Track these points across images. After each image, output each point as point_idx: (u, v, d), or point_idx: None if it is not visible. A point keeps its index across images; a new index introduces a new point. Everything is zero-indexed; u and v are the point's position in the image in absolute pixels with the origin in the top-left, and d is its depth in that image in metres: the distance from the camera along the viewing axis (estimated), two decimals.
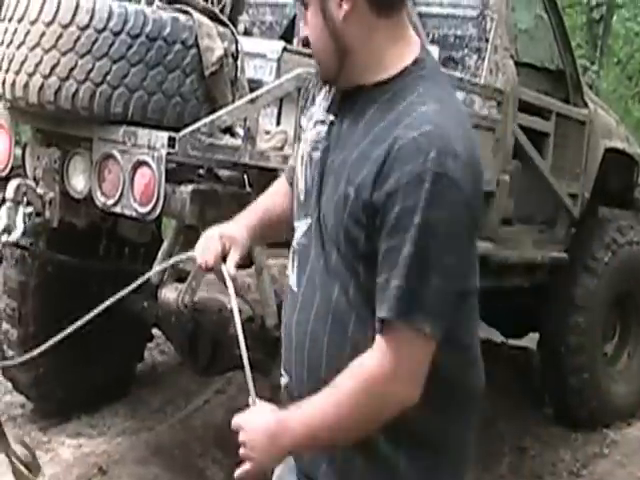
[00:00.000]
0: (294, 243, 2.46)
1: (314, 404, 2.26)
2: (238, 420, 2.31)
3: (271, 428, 2.27)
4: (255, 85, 5.38)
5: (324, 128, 2.37)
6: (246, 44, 5.57)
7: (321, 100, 2.45)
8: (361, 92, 2.29)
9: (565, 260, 6.96)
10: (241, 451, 2.30)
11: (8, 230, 4.72)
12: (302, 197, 2.44)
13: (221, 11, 6.61)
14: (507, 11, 6.01)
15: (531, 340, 7.98)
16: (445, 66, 5.90)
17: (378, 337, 2.22)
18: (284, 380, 2.52)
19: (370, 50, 2.26)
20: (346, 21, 2.23)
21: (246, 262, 5.45)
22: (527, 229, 6.77)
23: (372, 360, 2.22)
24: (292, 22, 6.39)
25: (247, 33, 6.52)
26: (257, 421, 2.29)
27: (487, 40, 5.89)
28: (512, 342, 8.52)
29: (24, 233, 4.73)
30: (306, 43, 2.37)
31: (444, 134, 2.13)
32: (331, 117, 2.37)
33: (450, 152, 2.12)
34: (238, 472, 2.30)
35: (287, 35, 6.38)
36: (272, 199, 2.83)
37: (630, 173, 7.82)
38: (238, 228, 2.75)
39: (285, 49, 5.62)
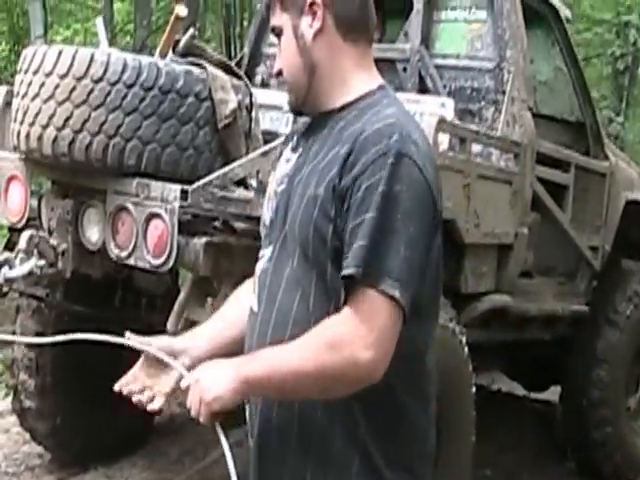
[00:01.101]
0: (257, 270, 2.51)
1: (279, 350, 2.25)
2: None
3: (226, 364, 2.30)
4: (272, 137, 5.35)
5: (290, 165, 2.44)
6: (262, 96, 5.55)
7: (288, 152, 2.50)
8: (329, 117, 2.37)
9: (586, 313, 6.84)
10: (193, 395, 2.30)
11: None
12: (267, 229, 2.50)
13: (239, 62, 6.62)
14: (524, 63, 5.95)
15: (553, 393, 7.83)
16: (462, 118, 5.82)
17: (346, 303, 2.22)
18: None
19: (336, 69, 2.37)
20: (315, 40, 2.35)
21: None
22: (547, 281, 6.66)
23: (339, 324, 2.21)
24: None
25: (264, 84, 6.51)
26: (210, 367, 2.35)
27: (504, 92, 5.81)
28: (534, 395, 8.39)
29: (25, 278, 4.70)
30: (279, 74, 2.45)
31: (405, 126, 2.26)
32: (297, 153, 2.44)
33: (411, 139, 2.24)
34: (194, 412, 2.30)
35: None
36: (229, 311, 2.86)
37: None
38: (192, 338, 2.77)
39: None
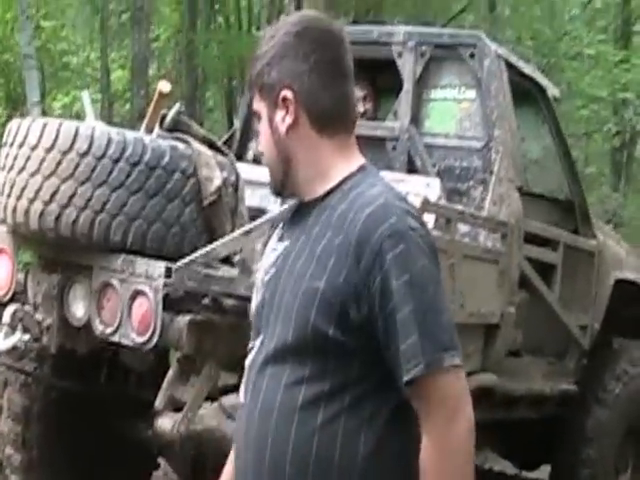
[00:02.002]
0: (247, 362, 2.45)
1: None
2: None
3: None
4: (261, 214, 5.39)
5: (276, 254, 2.40)
6: (252, 172, 5.59)
7: (274, 241, 2.48)
8: (313, 205, 2.35)
9: (575, 392, 6.82)
10: None
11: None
12: (255, 320, 2.44)
13: (231, 137, 6.68)
14: (512, 143, 6.01)
15: (546, 472, 7.78)
16: (450, 198, 5.87)
17: (421, 409, 2.21)
18: None
19: (313, 162, 2.33)
20: (288, 134, 2.32)
21: None
22: (536, 361, 6.65)
23: (442, 438, 2.19)
24: None
25: (255, 160, 6.55)
26: None
27: (492, 172, 5.86)
28: (526, 474, 8.32)
29: (9, 352, 4.72)
30: (261, 155, 2.46)
31: (395, 202, 2.23)
32: (284, 242, 2.39)
33: (406, 212, 2.22)
34: None
35: None
36: None
37: None
38: None
39: None
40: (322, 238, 2.25)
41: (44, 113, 17.72)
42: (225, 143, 6.67)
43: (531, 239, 6.15)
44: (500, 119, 5.90)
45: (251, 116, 6.70)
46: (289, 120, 2.30)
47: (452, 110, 6.14)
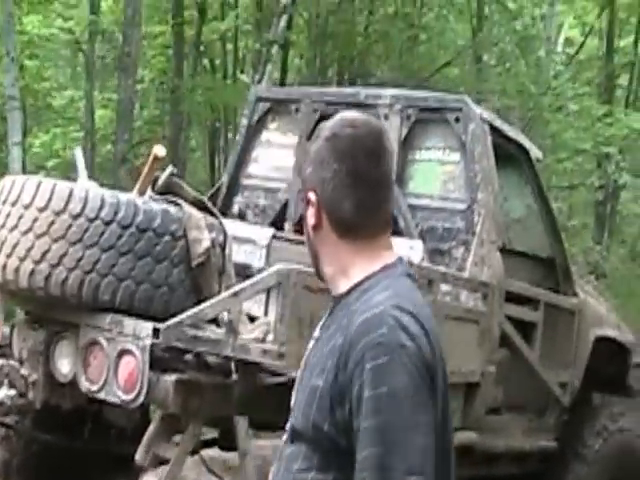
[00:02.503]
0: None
1: None
2: None
3: None
4: (245, 270, 5.51)
5: (312, 342, 2.47)
6: (237, 229, 5.72)
7: (317, 329, 2.52)
8: (340, 301, 2.40)
9: (554, 449, 6.93)
10: None
11: None
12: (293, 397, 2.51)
13: (217, 191, 6.80)
14: (495, 205, 6.15)
15: None
16: (432, 258, 6.00)
17: None
18: None
19: (336, 262, 2.39)
20: (314, 233, 2.40)
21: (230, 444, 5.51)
22: (516, 418, 6.76)
23: None
24: (284, 207, 6.53)
25: (241, 215, 6.68)
26: None
27: (474, 233, 6.00)
28: None
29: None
30: None
31: (393, 313, 2.22)
32: (320, 333, 2.45)
33: (400, 325, 2.20)
34: None
35: (279, 220, 6.52)
36: None
37: (622, 360, 7.83)
38: None
39: (274, 236, 5.77)
40: (333, 337, 2.32)
41: (24, 151, 17.84)
42: (211, 197, 6.81)
43: (512, 297, 6.27)
44: (483, 182, 6.04)
45: (238, 171, 6.84)
46: (312, 221, 2.38)
47: (436, 172, 6.28)
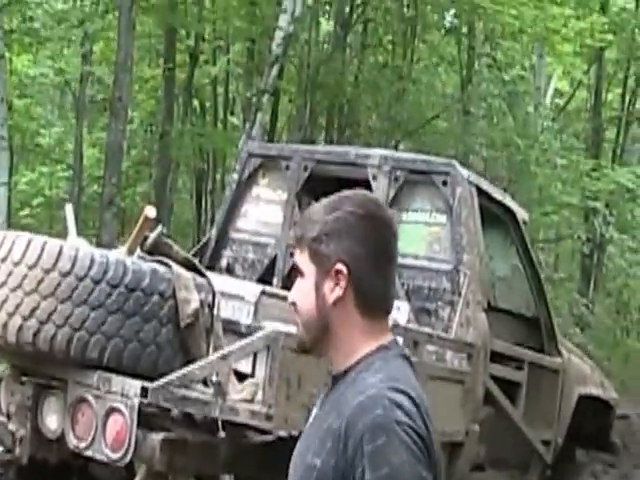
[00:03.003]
0: None
1: None
2: None
3: None
4: (233, 326, 5.57)
5: (311, 419, 2.51)
6: (226, 284, 5.78)
7: (317, 405, 2.56)
8: (337, 378, 2.44)
9: None
10: None
11: None
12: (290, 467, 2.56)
13: (205, 244, 6.87)
14: (480, 266, 6.25)
15: None
16: (419, 317, 6.08)
17: None
18: None
19: (347, 337, 2.41)
20: (334, 306, 2.39)
21: None
22: (500, 475, 6.84)
23: None
24: (273, 262, 6.62)
25: (229, 269, 6.75)
26: None
27: (460, 294, 6.09)
28: None
29: None
30: (293, 305, 2.50)
31: (387, 394, 2.26)
32: (318, 409, 2.49)
33: (396, 404, 2.25)
34: None
35: (267, 274, 6.59)
36: None
37: (606, 417, 7.94)
38: None
39: (263, 292, 5.83)
40: (329, 417, 2.36)
41: (10, 190, 17.84)
42: (200, 250, 6.89)
43: (497, 356, 6.36)
44: (469, 244, 6.15)
45: (227, 225, 6.91)
46: (339, 292, 2.39)
47: (423, 233, 6.38)
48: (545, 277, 15.69)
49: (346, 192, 2.54)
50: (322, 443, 2.33)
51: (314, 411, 2.50)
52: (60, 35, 15.56)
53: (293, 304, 2.49)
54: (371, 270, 2.39)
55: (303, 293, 2.45)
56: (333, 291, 2.38)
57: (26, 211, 18.33)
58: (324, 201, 2.50)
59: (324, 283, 2.40)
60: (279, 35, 12.53)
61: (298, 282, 2.49)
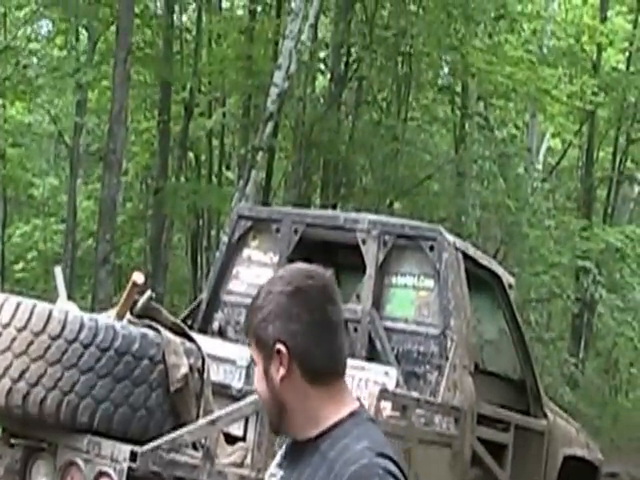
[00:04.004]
0: None
1: None
2: None
3: None
4: (224, 390, 5.60)
5: None
6: (217, 348, 5.83)
7: (274, 466, 2.63)
8: (306, 445, 2.49)
9: None
10: None
11: None
12: None
13: (196, 307, 6.92)
14: (467, 331, 6.33)
15: None
16: (407, 381, 6.14)
17: None
18: None
19: (305, 410, 2.47)
20: (282, 384, 2.44)
21: None
22: None
23: None
24: None
25: (221, 332, 6.79)
26: None
27: (447, 358, 6.15)
28: None
29: None
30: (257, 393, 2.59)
31: (378, 462, 2.33)
32: (280, 471, 2.55)
33: (389, 473, 2.33)
34: None
35: None
36: None
37: (591, 478, 7.98)
38: None
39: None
40: None
41: (3, 244, 17.79)
42: (191, 312, 6.94)
43: (484, 419, 6.41)
44: (456, 309, 6.23)
45: (218, 287, 6.97)
46: (282, 372, 2.45)
47: (411, 297, 6.46)
48: (536, 337, 15.93)
49: (281, 270, 2.60)
50: None
51: (276, 476, 2.53)
52: (53, 84, 15.61)
53: (256, 392, 2.57)
54: (310, 342, 2.45)
55: (258, 380, 2.51)
56: (278, 371, 2.44)
57: (20, 265, 18.34)
58: (264, 285, 2.56)
59: (270, 366, 2.46)
60: (274, 92, 12.61)
61: (255, 371, 2.55)
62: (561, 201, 18.45)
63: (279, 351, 2.44)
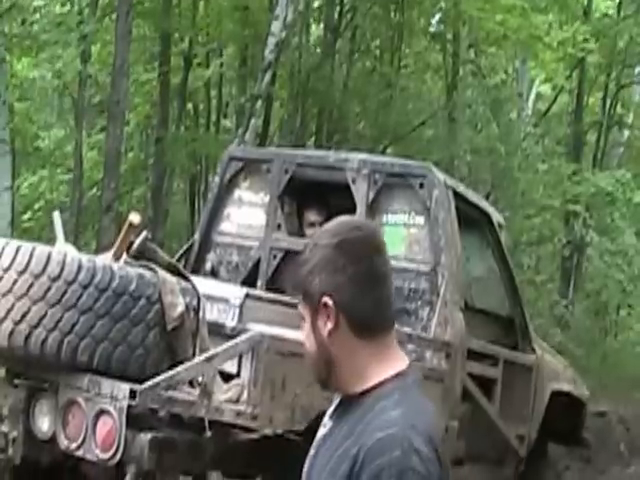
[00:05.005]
0: None
1: None
2: None
3: None
4: (218, 329, 5.58)
5: (323, 432, 2.52)
6: (211, 288, 5.79)
7: (327, 416, 2.58)
8: (352, 399, 2.45)
9: None
10: None
11: None
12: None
13: (189, 248, 6.87)
14: (458, 267, 6.28)
15: None
16: (399, 317, 6.11)
17: None
18: None
19: (352, 364, 2.42)
20: (330, 338, 2.40)
21: None
22: (477, 468, 6.87)
23: None
24: (257, 264, 6.61)
25: (213, 272, 6.74)
26: None
27: (438, 294, 6.11)
28: None
29: None
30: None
31: (407, 433, 2.26)
32: (330, 422, 2.52)
33: (413, 449, 2.24)
34: None
35: (251, 276, 6.59)
36: None
37: (577, 413, 7.98)
38: None
39: (247, 295, 5.83)
40: (346, 440, 2.37)
41: (13, 195, 17.77)
42: (184, 253, 6.89)
43: (474, 354, 6.39)
44: (447, 245, 6.17)
45: (211, 228, 6.90)
46: (330, 325, 2.39)
47: (402, 234, 6.37)
48: (527, 279, 15.90)
49: (328, 224, 2.55)
50: (338, 465, 2.34)
51: (325, 426, 2.51)
52: (58, 39, 15.53)
53: (304, 347, 2.51)
54: (356, 294, 2.39)
55: (306, 334, 2.47)
56: (326, 324, 2.40)
57: (28, 215, 18.31)
58: (310, 239, 2.53)
59: (318, 319, 2.41)
60: (272, 41, 12.50)
61: (303, 326, 2.50)
62: (551, 146, 18.32)
63: (325, 304, 2.40)
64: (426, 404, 2.43)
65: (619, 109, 20.88)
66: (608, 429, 12.91)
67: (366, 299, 2.40)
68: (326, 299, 2.39)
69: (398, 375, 2.40)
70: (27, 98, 18.49)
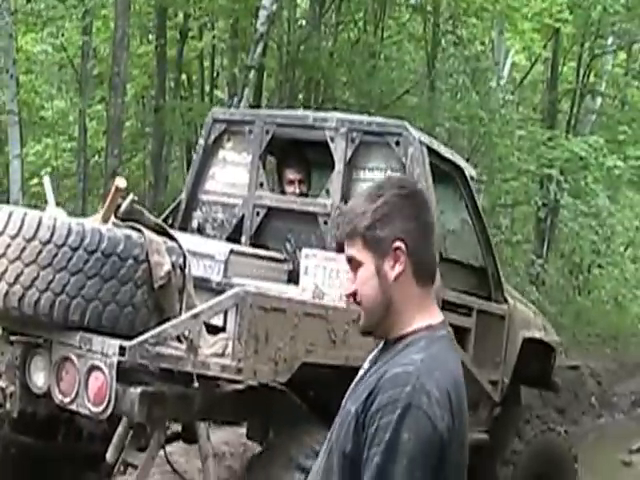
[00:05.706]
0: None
1: None
2: None
3: None
4: (204, 284, 5.51)
5: (361, 372, 2.54)
6: (196, 244, 5.72)
7: (369, 357, 2.59)
8: (389, 343, 2.48)
9: (485, 441, 6.98)
10: None
11: None
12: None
13: (176, 207, 6.78)
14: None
15: None
16: None
17: None
18: None
19: (405, 310, 2.45)
20: (396, 282, 2.43)
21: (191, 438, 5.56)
22: None
23: None
24: (241, 221, 6.52)
25: (200, 229, 6.66)
26: None
27: None
28: None
29: None
30: (353, 296, 2.50)
31: (422, 375, 2.31)
32: (368, 365, 2.53)
33: (424, 390, 2.28)
34: None
35: (236, 233, 6.51)
36: None
37: (548, 358, 7.94)
38: None
39: (232, 251, 5.76)
40: (372, 376, 2.40)
41: (22, 162, 17.81)
42: (171, 212, 6.81)
43: (448, 304, 6.29)
44: None
45: (196, 187, 6.80)
46: (399, 269, 2.42)
47: None
48: (504, 239, 15.86)
49: (382, 180, 2.63)
50: (363, 392, 2.37)
51: (365, 366, 2.53)
52: (62, 14, 15.45)
53: (352, 295, 2.49)
54: (422, 241, 2.44)
55: (363, 281, 2.46)
56: (393, 268, 2.42)
57: (35, 180, 18.31)
58: (363, 193, 2.52)
59: (384, 264, 2.42)
60: (263, 14, 12.46)
61: (355, 273, 2.49)
62: (526, 113, 18.22)
63: (398, 248, 2.41)
64: (449, 358, 2.45)
65: (592, 78, 20.84)
66: (580, 382, 12.97)
67: (428, 247, 2.46)
68: (399, 243, 2.41)
69: (429, 327, 2.44)
70: (31, 71, 18.40)
